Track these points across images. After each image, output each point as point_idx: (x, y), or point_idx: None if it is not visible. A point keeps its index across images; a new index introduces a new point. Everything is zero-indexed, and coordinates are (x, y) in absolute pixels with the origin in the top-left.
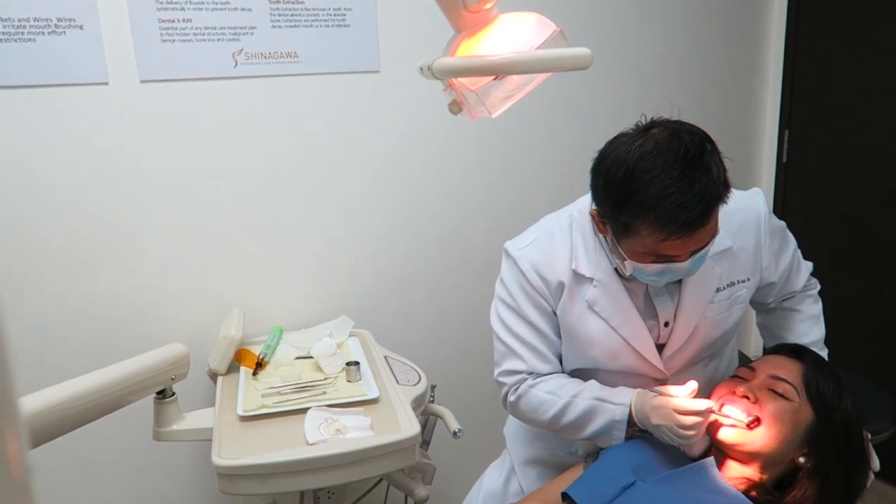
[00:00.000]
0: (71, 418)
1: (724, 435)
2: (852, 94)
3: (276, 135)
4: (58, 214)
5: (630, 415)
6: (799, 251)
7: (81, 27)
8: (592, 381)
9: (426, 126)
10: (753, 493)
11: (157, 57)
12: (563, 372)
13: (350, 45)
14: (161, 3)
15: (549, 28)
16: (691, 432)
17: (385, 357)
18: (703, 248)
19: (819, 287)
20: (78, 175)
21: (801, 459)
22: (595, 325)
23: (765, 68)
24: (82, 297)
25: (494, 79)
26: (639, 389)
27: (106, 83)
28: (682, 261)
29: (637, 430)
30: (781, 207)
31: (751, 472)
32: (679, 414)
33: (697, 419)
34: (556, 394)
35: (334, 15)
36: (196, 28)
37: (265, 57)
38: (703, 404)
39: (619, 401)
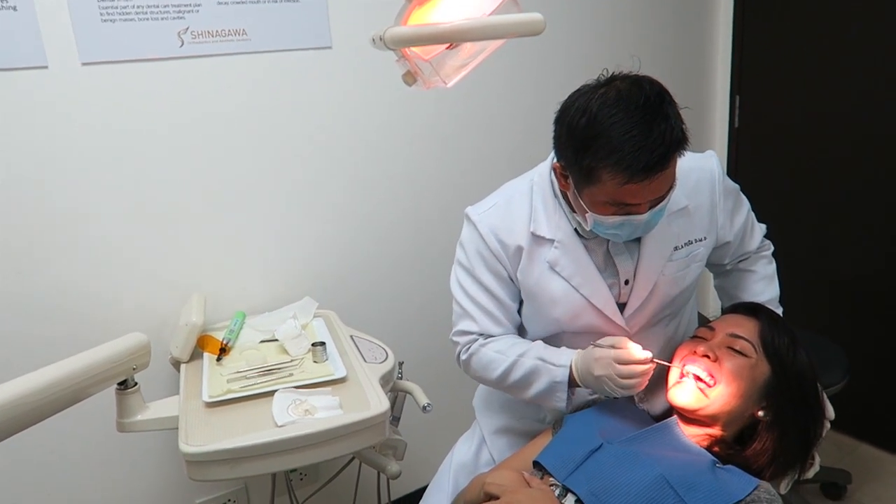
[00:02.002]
0: (28, 415)
1: (685, 401)
2: (801, 61)
3: (227, 116)
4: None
5: (572, 375)
6: (753, 213)
7: (15, 8)
8: (538, 342)
9: (381, 101)
10: (716, 449)
11: (98, 38)
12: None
13: (300, 22)
14: None
15: None
16: (633, 380)
17: (351, 336)
18: (661, 200)
19: (772, 248)
20: (21, 163)
21: (760, 413)
22: (556, 285)
23: (714, 36)
24: (32, 289)
25: (448, 48)
26: (579, 350)
27: (45, 67)
28: (641, 212)
29: (588, 394)
30: (735, 171)
31: (713, 429)
32: (619, 364)
33: (637, 368)
34: (503, 353)
35: None
36: (138, 6)
37: (212, 35)
38: (641, 353)
39: (560, 362)
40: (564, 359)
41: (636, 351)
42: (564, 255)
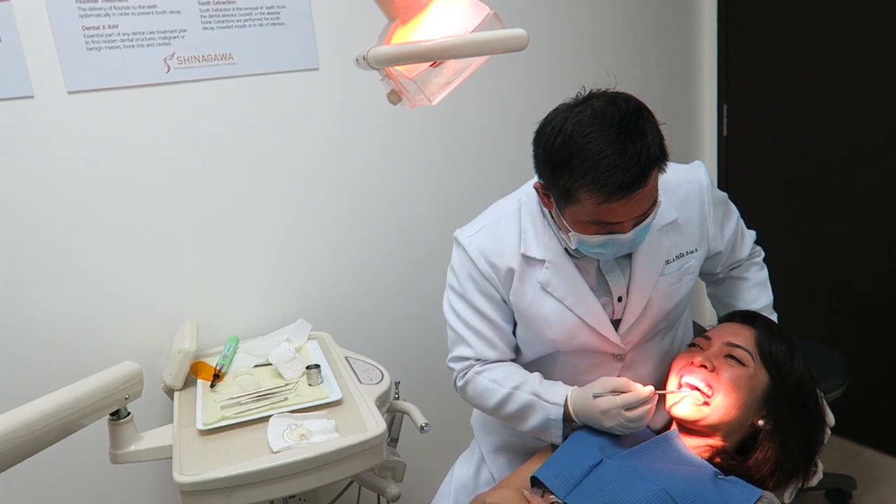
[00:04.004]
0: (19, 449)
1: (685, 413)
2: (787, 67)
3: (216, 140)
4: None
5: (567, 411)
6: (742, 220)
7: None
8: (535, 375)
9: (371, 121)
10: (718, 460)
11: (84, 66)
12: (514, 360)
13: (287, 44)
14: (84, 9)
15: (482, 11)
16: (642, 420)
17: (346, 358)
18: (644, 218)
19: (763, 254)
20: (8, 193)
21: (760, 422)
22: (550, 306)
23: (700, 46)
24: (22, 320)
25: (432, 65)
26: (575, 387)
27: (31, 97)
28: (624, 231)
29: (577, 426)
30: (725, 180)
31: (713, 440)
32: (627, 411)
33: (645, 408)
34: (498, 382)
35: (268, 13)
36: (123, 34)
37: (199, 60)
38: (645, 391)
39: (554, 399)
40: (559, 396)
41: (641, 391)
42: (556, 275)
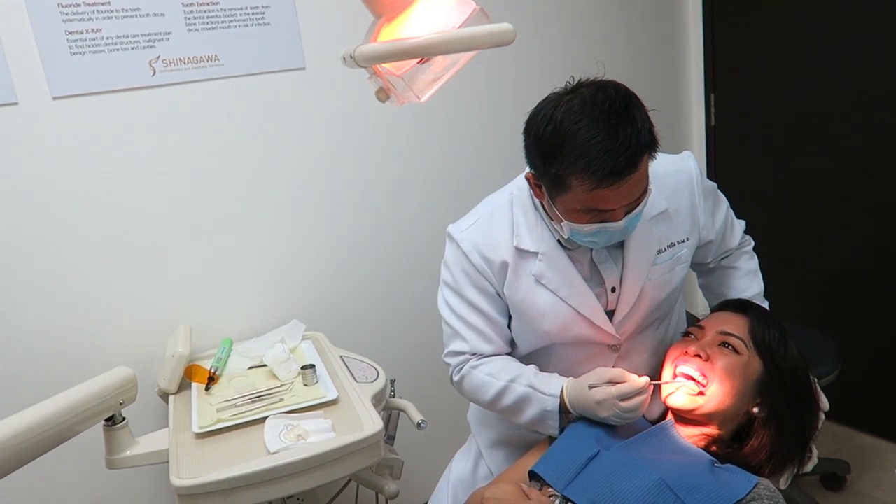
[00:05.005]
0: (13, 458)
1: (680, 403)
2: (773, 55)
3: (204, 143)
4: None
5: (563, 403)
6: (731, 210)
7: None
8: (530, 367)
9: (360, 120)
10: (714, 448)
11: (69, 71)
12: (510, 353)
13: (272, 44)
14: (66, 13)
15: (469, 6)
16: (638, 410)
17: (341, 357)
18: (636, 205)
19: (753, 243)
20: None
21: (755, 409)
22: (544, 298)
23: (686, 35)
24: (14, 330)
25: (419, 62)
26: (570, 379)
27: (15, 103)
28: (616, 219)
29: (574, 417)
30: (714, 169)
31: (709, 428)
32: (622, 401)
33: (640, 398)
34: (494, 376)
35: (252, 14)
36: (107, 38)
37: (184, 62)
38: (640, 382)
39: (550, 391)
40: (554, 387)
41: (636, 382)
42: (549, 267)
